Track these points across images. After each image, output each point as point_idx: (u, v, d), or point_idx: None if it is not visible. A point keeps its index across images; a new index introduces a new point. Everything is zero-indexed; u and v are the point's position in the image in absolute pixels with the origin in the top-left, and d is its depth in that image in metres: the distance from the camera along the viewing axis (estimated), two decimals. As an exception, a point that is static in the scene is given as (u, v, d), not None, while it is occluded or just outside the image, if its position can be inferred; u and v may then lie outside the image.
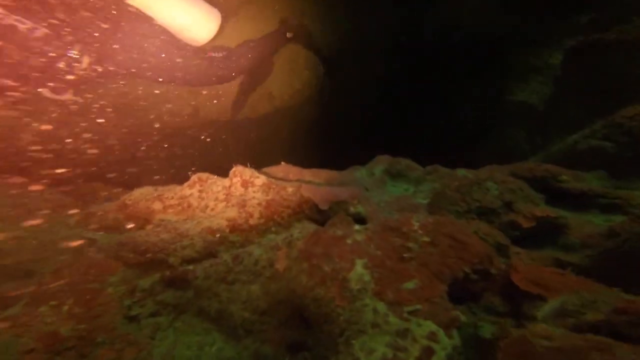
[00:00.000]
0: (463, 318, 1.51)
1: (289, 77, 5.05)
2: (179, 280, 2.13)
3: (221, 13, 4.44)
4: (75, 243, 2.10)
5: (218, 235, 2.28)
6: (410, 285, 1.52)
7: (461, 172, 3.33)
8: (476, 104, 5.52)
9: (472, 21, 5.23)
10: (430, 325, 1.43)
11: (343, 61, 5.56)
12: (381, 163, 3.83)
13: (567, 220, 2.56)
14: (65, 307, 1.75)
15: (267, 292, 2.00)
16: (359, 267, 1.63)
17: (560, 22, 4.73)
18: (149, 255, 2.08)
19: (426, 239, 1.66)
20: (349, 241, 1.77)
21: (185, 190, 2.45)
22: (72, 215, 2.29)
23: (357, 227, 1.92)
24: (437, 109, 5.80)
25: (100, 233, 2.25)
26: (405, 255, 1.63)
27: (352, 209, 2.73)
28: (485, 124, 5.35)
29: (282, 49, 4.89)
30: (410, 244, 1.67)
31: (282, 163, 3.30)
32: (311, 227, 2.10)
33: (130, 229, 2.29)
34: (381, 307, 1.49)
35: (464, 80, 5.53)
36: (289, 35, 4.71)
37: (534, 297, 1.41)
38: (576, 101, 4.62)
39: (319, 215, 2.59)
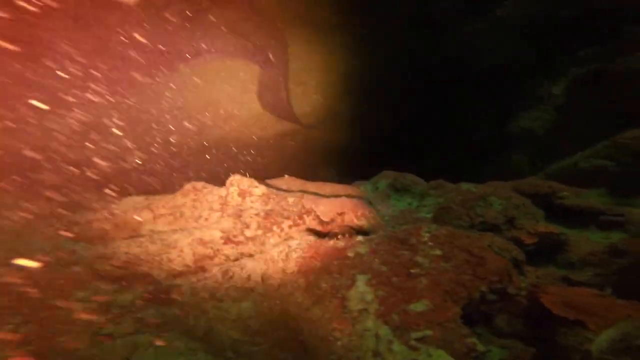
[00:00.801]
0: (481, 347, 1.29)
1: (299, 100, 5.09)
2: (164, 295, 1.92)
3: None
4: (47, 257, 1.92)
5: (210, 247, 2.10)
6: (419, 306, 1.32)
7: (465, 186, 3.19)
8: (483, 128, 5.54)
9: (482, 51, 5.40)
10: (442, 356, 1.21)
11: (356, 86, 5.64)
12: (386, 177, 3.71)
13: (566, 237, 2.42)
14: (20, 327, 1.52)
15: (259, 311, 1.79)
16: (360, 284, 1.44)
17: (565, 55, 4.88)
18: (131, 268, 1.89)
19: (438, 252, 1.48)
20: (350, 254, 1.59)
21: (177, 199, 2.31)
22: (54, 224, 2.14)
23: (360, 238, 1.74)
24: (444, 132, 5.81)
25: (82, 244, 2.08)
26: (413, 271, 1.43)
27: (355, 222, 2.56)
28: (491, 147, 5.32)
29: (293, 73, 4.98)
30: (420, 258, 1.48)
31: (285, 176, 3.18)
32: (310, 238, 1.93)
33: (115, 239, 2.12)
34: (385, 331, 1.28)
35: (471, 105, 5.60)
36: None
37: (570, 323, 1.19)
38: (578, 127, 4.64)
39: (321, 227, 2.41)
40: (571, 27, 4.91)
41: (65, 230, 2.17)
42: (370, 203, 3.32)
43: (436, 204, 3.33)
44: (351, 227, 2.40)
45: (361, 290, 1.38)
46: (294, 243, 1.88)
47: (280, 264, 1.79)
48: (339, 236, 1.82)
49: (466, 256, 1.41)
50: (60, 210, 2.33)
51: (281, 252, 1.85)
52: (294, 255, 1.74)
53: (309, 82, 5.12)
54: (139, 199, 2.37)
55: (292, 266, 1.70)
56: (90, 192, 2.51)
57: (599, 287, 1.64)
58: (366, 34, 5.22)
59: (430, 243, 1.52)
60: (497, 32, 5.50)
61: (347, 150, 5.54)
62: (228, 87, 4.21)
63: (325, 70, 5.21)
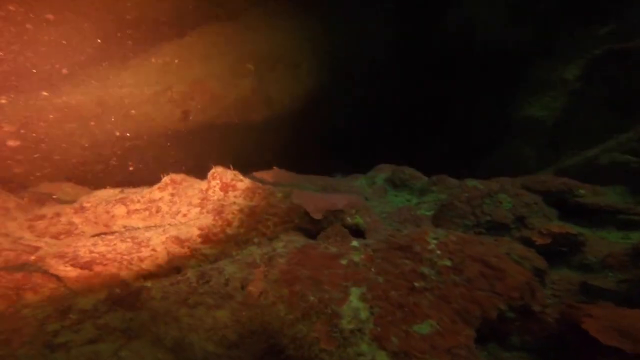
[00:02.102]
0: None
1: (291, 83, 4.76)
2: (132, 299, 1.67)
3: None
4: (10, 252, 1.66)
5: (187, 246, 1.84)
6: (423, 328, 1.04)
7: (471, 182, 2.91)
8: (482, 118, 5.19)
9: (481, 33, 4.99)
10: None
11: (348, 71, 5.31)
12: (383, 171, 3.42)
13: (583, 238, 2.17)
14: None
15: (237, 321, 1.52)
16: (354, 298, 1.15)
17: (578, 35, 4.46)
18: (96, 268, 1.63)
19: (447, 262, 1.20)
20: (343, 262, 1.31)
21: (154, 193, 2.04)
22: (17, 217, 1.87)
23: (355, 242, 1.47)
24: (441, 121, 5.47)
25: (46, 239, 1.82)
26: (417, 284, 1.16)
27: (349, 220, 2.28)
28: (491, 138, 4.99)
29: (285, 53, 4.64)
30: (425, 269, 1.20)
31: (274, 168, 2.90)
32: (300, 240, 1.66)
33: (84, 234, 1.86)
34: (382, 358, 1.02)
35: (470, 93, 5.24)
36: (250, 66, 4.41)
37: (626, 357, 0.89)
38: (594, 115, 4.27)
39: (312, 226, 2.14)
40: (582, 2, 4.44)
41: (30, 225, 1.91)
42: (366, 199, 3.04)
43: (437, 200, 3.05)
44: (345, 226, 2.14)
45: (355, 306, 1.11)
46: (279, 245, 1.61)
47: (263, 269, 1.53)
48: (331, 239, 1.55)
49: (481, 267, 1.13)
50: (26, 202, 2.06)
51: (264, 255, 1.59)
52: (279, 260, 1.47)
53: (302, 64, 4.77)
54: (113, 192, 2.10)
55: (276, 272, 1.44)
56: (60, 182, 2.24)
57: (624, 296, 1.38)
58: (355, 16, 4.87)
59: (437, 251, 1.25)
60: (495, 9, 5.08)
61: (336, 138, 5.23)
62: (216, 66, 3.87)
63: (315, 52, 4.88)
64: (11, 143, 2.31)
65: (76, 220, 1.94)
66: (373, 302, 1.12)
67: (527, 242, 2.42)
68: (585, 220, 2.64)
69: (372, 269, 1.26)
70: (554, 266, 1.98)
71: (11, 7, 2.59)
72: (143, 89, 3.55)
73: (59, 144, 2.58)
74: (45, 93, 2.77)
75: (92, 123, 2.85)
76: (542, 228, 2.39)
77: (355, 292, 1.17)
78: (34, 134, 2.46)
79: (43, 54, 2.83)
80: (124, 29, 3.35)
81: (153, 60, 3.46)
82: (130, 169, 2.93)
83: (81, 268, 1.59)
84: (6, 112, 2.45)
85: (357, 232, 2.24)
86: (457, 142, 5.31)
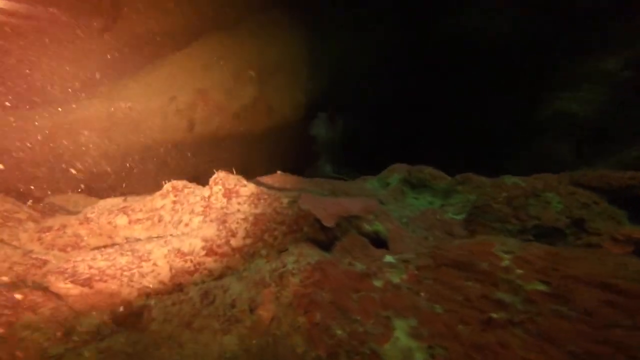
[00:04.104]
0: None
1: (291, 89, 4.53)
2: (134, 320, 1.52)
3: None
4: (19, 267, 1.58)
5: (190, 259, 1.67)
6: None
7: (510, 179, 2.46)
8: (508, 114, 4.66)
9: (504, 24, 4.49)
10: None
11: (357, 72, 4.99)
12: (398, 171, 3.05)
13: None
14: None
15: (246, 350, 1.30)
16: (401, 334, 0.85)
17: (615, 28, 3.87)
18: (97, 285, 1.50)
19: (540, 286, 0.82)
20: (377, 283, 1.01)
21: (156, 201, 1.89)
22: (28, 229, 1.80)
23: (388, 257, 1.17)
24: (463, 118, 5.00)
25: (54, 252, 1.73)
26: (495, 315, 0.80)
27: (367, 227, 1.99)
28: (521, 135, 4.46)
29: (284, 59, 4.41)
30: (504, 295, 0.84)
31: (278, 172, 2.67)
32: (313, 253, 1.41)
33: (89, 247, 1.75)
34: None
35: (495, 88, 4.73)
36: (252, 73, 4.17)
37: None
38: (636, 110, 3.67)
39: (323, 235, 1.90)
40: None
41: (39, 237, 1.83)
42: (381, 202, 2.73)
43: (466, 202, 2.65)
44: (362, 234, 1.87)
45: (404, 345, 0.80)
46: (290, 260, 1.38)
47: (273, 289, 1.30)
48: (351, 250, 1.28)
49: (601, 293, 0.75)
50: (37, 213, 2.00)
51: (274, 271, 1.36)
52: (292, 279, 1.23)
53: (302, 70, 4.53)
54: (116, 201, 1.98)
55: (288, 294, 1.20)
56: (66, 193, 2.17)
57: None
58: (361, 12, 4.52)
59: (517, 270, 0.91)
60: (522, 2, 4.54)
61: (347, 142, 4.94)
62: (219, 75, 3.74)
63: (320, 58, 4.60)
64: (24, 155, 2.29)
65: (81, 231, 1.84)
66: (432, 341, 0.80)
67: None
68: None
69: (422, 294, 0.95)
70: None
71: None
72: (150, 101, 3.49)
73: (71, 156, 2.55)
74: (59, 108, 2.76)
75: (103, 135, 2.82)
76: (616, 233, 1.91)
77: (401, 326, 0.86)
78: (48, 147, 2.45)
79: (58, 71, 2.83)
80: (132, 44, 3.30)
81: (158, 71, 3.39)
82: (138, 179, 2.86)
83: (82, 285, 1.46)
84: (22, 126, 2.44)
85: (378, 241, 1.95)
86: (478, 143, 4.83)
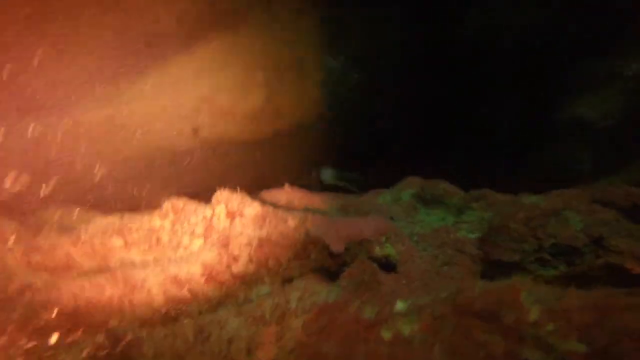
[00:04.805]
0: None
1: (301, 94, 4.42)
2: (121, 355, 1.37)
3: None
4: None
5: (187, 288, 1.52)
6: None
7: (528, 198, 2.34)
8: (521, 118, 4.50)
9: (520, 25, 4.35)
10: None
11: (367, 74, 4.89)
12: (410, 186, 2.92)
13: None
14: None
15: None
16: None
17: (632, 32, 3.75)
18: (81, 316, 1.36)
19: (577, 346, 0.67)
20: (385, 334, 0.88)
21: (154, 221, 1.75)
22: (14, 249, 1.67)
23: (399, 305, 1.01)
24: (472, 123, 4.84)
25: (42, 275, 1.60)
26: None
27: (378, 251, 1.84)
28: (534, 141, 4.29)
29: (295, 63, 4.32)
30: (532, 353, 0.71)
31: (286, 186, 2.54)
32: (318, 289, 1.25)
33: (81, 269, 1.62)
34: None
35: (507, 91, 4.58)
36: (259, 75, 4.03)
37: None
38: None
39: (332, 260, 1.75)
40: None
41: (26, 258, 1.70)
42: (391, 218, 2.58)
43: (480, 219, 2.50)
44: (372, 259, 1.71)
45: None
46: (294, 297, 1.23)
47: (274, 329, 1.15)
48: (365, 294, 1.13)
49: None
50: (26, 229, 1.88)
51: (276, 308, 1.21)
52: (294, 322, 1.08)
53: (311, 72, 4.39)
54: (111, 219, 1.85)
55: (291, 339, 1.05)
56: (56, 208, 2.04)
57: None
58: (374, 14, 4.40)
59: (549, 325, 0.75)
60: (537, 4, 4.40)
61: (353, 148, 4.77)
62: (224, 79, 3.63)
63: (330, 60, 4.47)
64: (17, 166, 2.17)
65: (73, 252, 1.71)
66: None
67: (617, 271, 1.87)
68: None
69: (437, 348, 0.80)
70: None
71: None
72: (152, 104, 3.39)
73: (68, 166, 2.44)
74: (56, 113, 2.65)
75: (102, 142, 2.71)
76: (638, 252, 1.84)
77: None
78: (43, 156, 2.34)
79: (57, 76, 2.74)
80: (134, 46, 3.22)
81: (162, 75, 3.29)
82: (140, 188, 2.73)
83: (66, 317, 1.32)
84: (15, 135, 2.34)
85: (389, 265, 1.80)
86: (489, 149, 4.66)
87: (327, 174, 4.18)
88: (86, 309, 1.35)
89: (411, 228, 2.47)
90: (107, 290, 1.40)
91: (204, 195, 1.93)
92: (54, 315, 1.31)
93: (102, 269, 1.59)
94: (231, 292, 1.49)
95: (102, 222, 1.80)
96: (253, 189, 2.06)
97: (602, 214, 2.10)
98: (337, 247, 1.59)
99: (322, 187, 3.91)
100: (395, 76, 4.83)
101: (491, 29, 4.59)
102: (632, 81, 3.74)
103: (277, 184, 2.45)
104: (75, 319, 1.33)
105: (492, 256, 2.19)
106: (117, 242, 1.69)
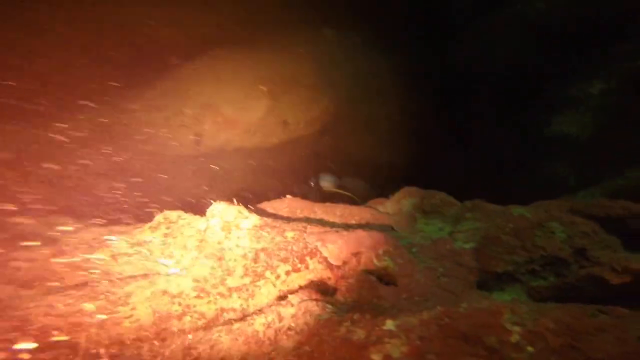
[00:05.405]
0: None
1: (306, 105, 4.44)
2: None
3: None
4: None
5: (178, 302, 1.42)
6: None
7: (517, 210, 2.38)
8: (510, 136, 4.70)
9: (503, 54, 4.69)
10: None
11: (365, 94, 5.00)
12: (410, 196, 2.91)
13: None
14: None
15: None
16: None
17: (599, 52, 4.12)
18: (53, 338, 1.23)
19: None
20: (375, 357, 0.84)
21: (145, 233, 1.65)
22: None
23: (389, 324, 0.96)
24: (466, 141, 5.01)
25: (15, 289, 1.45)
26: None
27: (376, 263, 1.80)
28: (521, 157, 4.47)
29: (299, 76, 4.36)
30: None
31: (288, 196, 2.49)
32: (314, 309, 1.17)
33: (60, 284, 1.49)
34: None
35: (496, 112, 4.81)
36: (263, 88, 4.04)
37: None
38: (626, 132, 3.78)
39: (330, 272, 1.68)
40: (598, 24, 4.17)
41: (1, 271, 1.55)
42: (392, 229, 2.56)
43: (475, 230, 2.51)
44: (370, 271, 1.66)
45: None
46: (288, 313, 1.16)
47: (266, 349, 1.07)
48: (355, 315, 1.06)
49: None
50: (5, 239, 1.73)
51: (269, 326, 1.13)
52: (286, 343, 1.01)
53: (317, 84, 4.45)
54: (99, 231, 1.74)
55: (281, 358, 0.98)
56: (40, 219, 1.90)
57: None
58: (376, 35, 4.60)
59: (528, 347, 0.74)
60: (515, 30, 4.77)
61: (357, 159, 4.80)
62: (230, 89, 3.61)
63: (334, 74, 4.56)
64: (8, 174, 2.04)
65: (55, 266, 1.58)
66: None
67: (598, 282, 1.94)
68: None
69: None
70: (636, 310, 1.43)
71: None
72: (154, 114, 3.32)
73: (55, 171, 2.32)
74: (58, 124, 2.56)
75: (104, 152, 2.61)
76: (615, 264, 1.94)
77: None
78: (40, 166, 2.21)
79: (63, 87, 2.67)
80: (137, 58, 3.19)
81: (165, 85, 3.25)
82: (139, 199, 2.60)
83: (34, 338, 1.19)
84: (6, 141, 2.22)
85: (387, 277, 1.75)
86: (481, 163, 4.81)
87: (326, 181, 4.09)
88: (59, 328, 1.22)
89: (411, 238, 2.45)
90: (84, 307, 1.28)
91: (203, 204, 1.85)
92: (21, 335, 1.17)
93: (84, 283, 1.46)
94: (226, 305, 1.40)
95: (88, 234, 1.68)
96: (253, 198, 2.00)
97: (582, 226, 2.21)
98: (335, 259, 1.53)
99: (321, 195, 3.82)
100: (389, 95, 5.02)
101: (477, 59, 4.95)
102: (596, 99, 4.06)
103: (277, 192, 2.39)
104: (46, 339, 1.20)
105: (487, 268, 2.21)
106: (103, 255, 1.58)
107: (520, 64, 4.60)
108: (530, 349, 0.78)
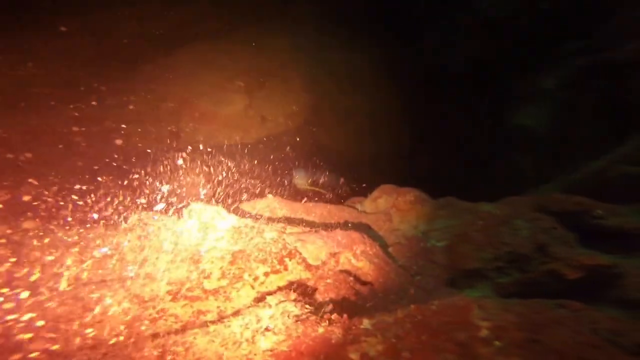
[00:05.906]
0: None
1: (284, 99, 4.40)
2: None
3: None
4: None
5: (151, 306, 1.39)
6: None
7: (485, 207, 2.51)
8: (471, 129, 4.92)
9: (462, 47, 4.88)
10: None
11: (342, 88, 5.05)
12: (386, 194, 3.00)
13: (619, 269, 1.81)
14: None
15: None
16: None
17: (551, 49, 4.39)
18: (12, 339, 1.17)
19: None
20: (353, 356, 0.88)
21: (119, 236, 1.60)
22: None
23: (366, 323, 1.02)
24: (434, 134, 5.20)
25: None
26: None
27: (354, 263, 1.85)
28: (487, 150, 4.69)
29: (277, 70, 4.30)
30: None
31: (269, 196, 2.48)
32: (291, 309, 1.19)
33: (21, 291, 1.40)
34: None
35: (454, 104, 5.02)
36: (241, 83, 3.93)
37: None
38: (583, 126, 4.05)
39: (309, 272, 1.71)
40: (553, 19, 4.43)
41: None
42: (369, 228, 2.63)
43: (448, 227, 2.64)
44: (348, 272, 1.70)
45: None
46: (266, 315, 1.18)
47: (244, 350, 1.08)
48: (333, 315, 1.10)
49: None
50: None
51: (247, 327, 1.15)
52: (263, 343, 1.03)
53: (295, 79, 4.42)
54: (69, 233, 1.66)
55: None
56: (9, 222, 1.77)
57: None
58: (353, 28, 4.64)
59: (496, 342, 0.81)
60: (475, 27, 4.99)
61: (337, 154, 4.84)
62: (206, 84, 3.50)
63: (312, 67, 4.54)
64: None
65: (20, 272, 1.49)
66: None
67: (557, 277, 2.09)
68: (610, 246, 2.28)
69: None
70: (589, 303, 1.58)
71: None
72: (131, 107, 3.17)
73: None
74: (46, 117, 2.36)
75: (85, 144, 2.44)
76: (571, 260, 2.09)
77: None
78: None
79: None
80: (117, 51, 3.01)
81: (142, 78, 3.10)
82: (116, 196, 2.47)
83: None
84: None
85: (363, 280, 1.80)
86: (446, 156, 5.01)
87: (300, 178, 4.06)
88: (25, 333, 1.16)
89: (388, 237, 2.53)
90: (54, 310, 1.23)
91: (181, 203, 1.80)
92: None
93: (51, 289, 1.40)
94: (202, 307, 1.39)
95: (57, 238, 1.59)
96: (234, 197, 1.98)
97: (542, 222, 2.36)
98: (313, 259, 1.56)
99: (296, 192, 3.80)
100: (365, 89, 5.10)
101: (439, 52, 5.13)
102: (551, 93, 4.32)
103: (257, 190, 2.37)
104: (14, 347, 1.14)
105: (458, 265, 2.32)
106: (72, 259, 1.50)
107: (476, 58, 4.81)
108: (497, 343, 0.83)
